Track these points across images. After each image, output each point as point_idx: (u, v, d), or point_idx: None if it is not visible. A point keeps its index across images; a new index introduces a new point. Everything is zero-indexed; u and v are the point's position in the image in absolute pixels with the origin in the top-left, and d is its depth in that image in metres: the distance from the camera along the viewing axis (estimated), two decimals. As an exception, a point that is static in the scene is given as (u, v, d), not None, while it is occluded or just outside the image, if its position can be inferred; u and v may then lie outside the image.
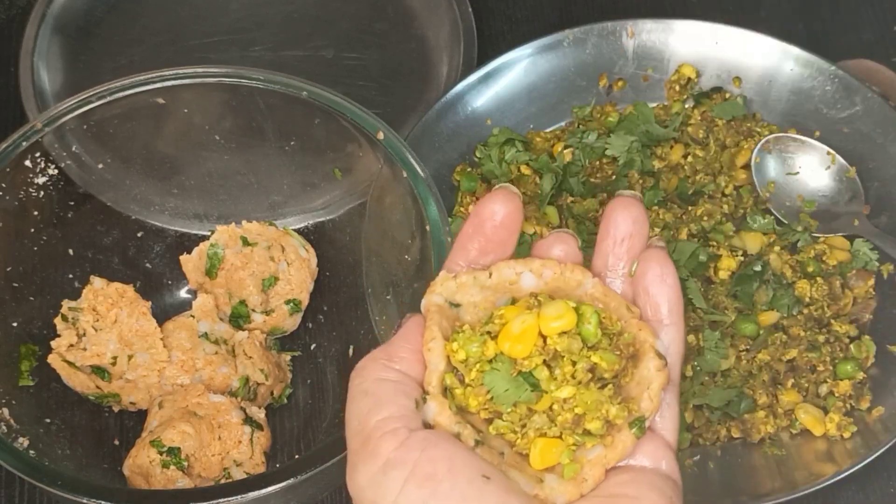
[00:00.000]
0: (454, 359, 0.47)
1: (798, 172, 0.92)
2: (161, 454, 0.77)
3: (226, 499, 0.67)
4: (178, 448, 0.77)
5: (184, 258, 0.85)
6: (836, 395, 0.82)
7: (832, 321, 0.85)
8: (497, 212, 0.47)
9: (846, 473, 0.78)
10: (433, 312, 0.49)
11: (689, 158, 0.92)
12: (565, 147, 0.93)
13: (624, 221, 0.48)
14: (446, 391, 0.46)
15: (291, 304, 0.84)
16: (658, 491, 0.43)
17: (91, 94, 0.80)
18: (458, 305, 0.49)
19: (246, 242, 0.84)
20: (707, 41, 0.96)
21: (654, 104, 0.96)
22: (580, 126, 0.95)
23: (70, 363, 0.80)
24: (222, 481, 0.78)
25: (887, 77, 0.96)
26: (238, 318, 0.84)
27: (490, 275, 0.48)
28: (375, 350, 0.47)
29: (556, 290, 0.48)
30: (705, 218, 0.88)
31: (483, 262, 0.48)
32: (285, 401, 0.85)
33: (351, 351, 0.84)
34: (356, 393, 0.46)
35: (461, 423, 0.45)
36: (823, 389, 0.83)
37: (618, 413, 0.45)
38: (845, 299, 0.86)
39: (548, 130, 0.96)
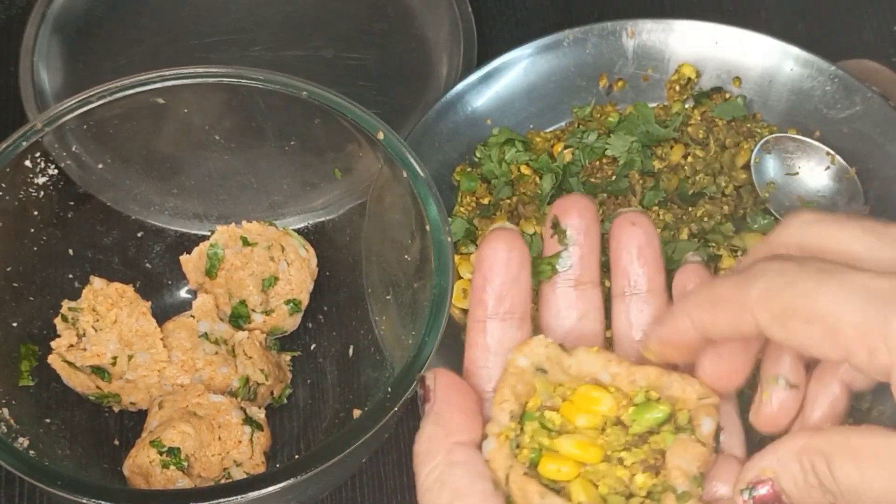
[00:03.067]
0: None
1: (798, 173, 0.92)
2: (161, 454, 0.77)
3: (226, 499, 0.67)
4: (178, 448, 0.77)
5: (184, 258, 0.85)
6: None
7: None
8: (498, 252, 0.46)
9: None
10: (511, 374, 0.47)
11: (690, 159, 0.92)
12: (565, 147, 0.93)
13: (633, 235, 0.47)
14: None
15: (291, 304, 0.84)
16: None
17: (91, 94, 0.80)
18: (545, 371, 0.48)
19: (246, 242, 0.84)
20: (707, 41, 0.96)
21: (654, 104, 0.96)
22: (580, 126, 0.95)
23: (70, 363, 0.80)
24: (222, 481, 0.78)
25: (887, 77, 0.96)
26: (238, 318, 0.84)
27: (570, 365, 0.47)
28: (427, 425, 0.45)
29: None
30: (705, 219, 0.88)
31: (503, 309, 0.47)
32: (285, 401, 0.85)
33: (351, 351, 0.84)
34: (431, 484, 0.44)
35: (514, 460, 0.44)
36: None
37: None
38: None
39: (548, 130, 0.96)
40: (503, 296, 0.46)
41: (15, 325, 0.80)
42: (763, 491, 0.41)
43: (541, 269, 0.49)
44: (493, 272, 0.46)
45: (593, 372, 0.46)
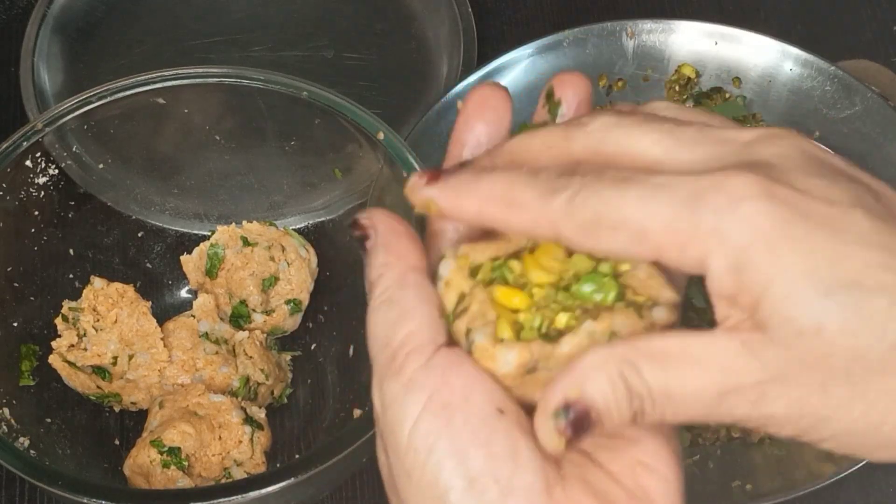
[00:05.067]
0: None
1: (798, 172, 0.92)
2: (161, 454, 0.77)
3: (226, 498, 0.67)
4: (179, 448, 0.77)
5: (184, 258, 0.85)
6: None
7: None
8: (485, 95, 0.46)
9: (846, 473, 0.78)
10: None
11: (689, 158, 0.92)
12: (565, 147, 0.93)
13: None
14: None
15: (292, 304, 0.84)
16: (656, 429, 0.43)
17: (91, 94, 0.80)
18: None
19: (246, 242, 0.84)
20: (707, 41, 0.96)
21: (654, 104, 0.96)
22: (580, 126, 0.95)
23: (71, 363, 0.80)
24: (223, 481, 0.78)
25: (887, 77, 0.96)
26: (238, 318, 0.84)
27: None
28: (377, 255, 0.45)
29: None
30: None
31: (480, 149, 0.46)
32: (285, 401, 0.85)
33: (351, 351, 0.84)
34: (379, 302, 0.44)
35: (471, 283, 0.42)
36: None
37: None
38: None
39: (548, 130, 0.96)
40: (481, 142, 0.46)
41: (15, 324, 0.80)
42: (576, 410, 0.39)
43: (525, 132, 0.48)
44: (476, 115, 0.46)
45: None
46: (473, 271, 0.43)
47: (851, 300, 0.36)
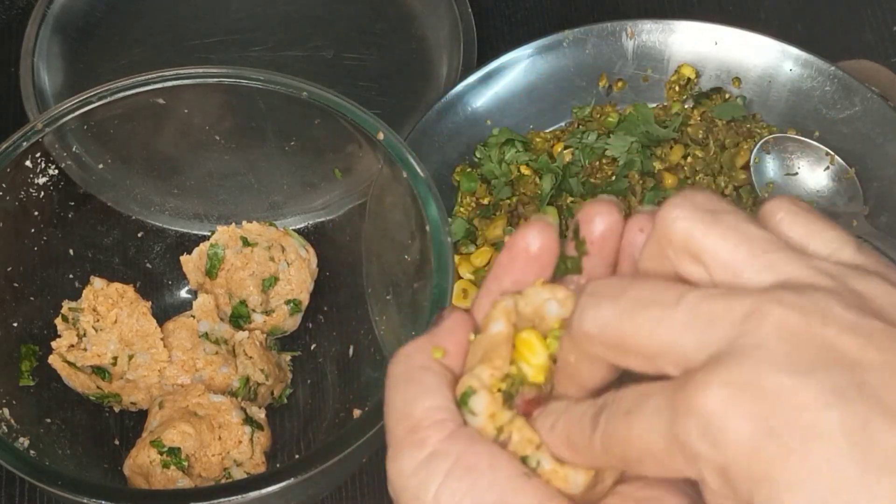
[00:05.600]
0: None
1: (797, 173, 0.92)
2: (161, 454, 0.77)
3: (226, 499, 0.67)
4: (179, 448, 0.77)
5: (184, 258, 0.85)
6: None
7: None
8: (532, 243, 0.46)
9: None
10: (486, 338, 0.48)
11: (689, 159, 0.92)
12: (565, 147, 0.93)
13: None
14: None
15: (291, 304, 0.84)
16: (678, 488, 0.43)
17: (91, 94, 0.80)
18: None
19: (246, 243, 0.84)
20: (706, 42, 0.96)
21: (654, 105, 0.96)
22: (580, 126, 0.95)
23: (71, 363, 0.80)
24: (222, 481, 0.78)
25: (887, 77, 0.96)
26: (238, 318, 0.84)
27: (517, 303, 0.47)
28: (418, 338, 0.46)
29: None
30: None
31: (516, 290, 0.47)
32: (285, 401, 0.85)
33: (351, 351, 0.84)
34: (400, 379, 0.45)
35: (507, 421, 0.44)
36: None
37: None
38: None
39: (548, 131, 0.96)
40: (520, 284, 0.47)
41: (15, 325, 0.80)
42: None
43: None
44: (519, 257, 0.47)
45: (540, 303, 0.46)
46: (505, 396, 0.45)
47: None
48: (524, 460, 0.43)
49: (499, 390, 0.44)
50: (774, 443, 0.36)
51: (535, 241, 0.46)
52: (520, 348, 0.46)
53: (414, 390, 0.44)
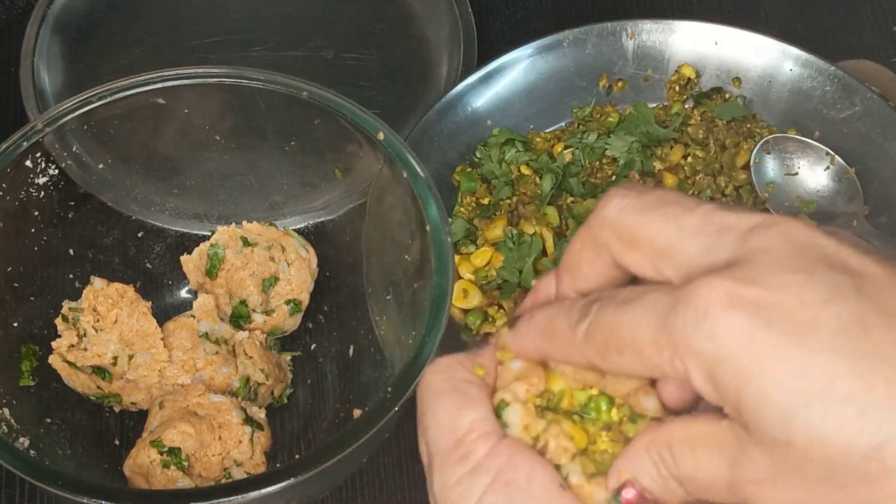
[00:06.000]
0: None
1: (797, 173, 0.92)
2: (161, 454, 0.77)
3: (226, 498, 0.67)
4: (179, 448, 0.77)
5: (184, 258, 0.85)
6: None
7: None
8: (553, 292, 0.47)
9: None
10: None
11: (689, 159, 0.92)
12: (565, 147, 0.93)
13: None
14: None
15: (292, 304, 0.84)
16: None
17: (91, 94, 0.80)
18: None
19: (246, 243, 0.84)
20: (707, 41, 0.96)
21: (654, 104, 0.96)
22: (580, 126, 0.95)
23: (71, 363, 0.80)
24: (223, 481, 0.78)
25: (887, 77, 0.96)
26: (238, 318, 0.84)
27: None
28: (460, 354, 0.47)
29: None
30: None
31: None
32: (285, 401, 0.85)
33: (351, 351, 0.84)
34: (443, 389, 0.45)
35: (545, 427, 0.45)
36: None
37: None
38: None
39: (548, 130, 0.96)
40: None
41: (15, 325, 0.80)
42: (628, 495, 0.42)
43: None
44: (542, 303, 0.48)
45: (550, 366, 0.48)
46: (540, 410, 0.46)
47: (817, 412, 0.36)
48: (558, 469, 0.44)
49: (535, 405, 0.45)
50: (770, 335, 0.37)
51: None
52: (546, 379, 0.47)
53: (459, 401, 0.45)
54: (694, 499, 0.41)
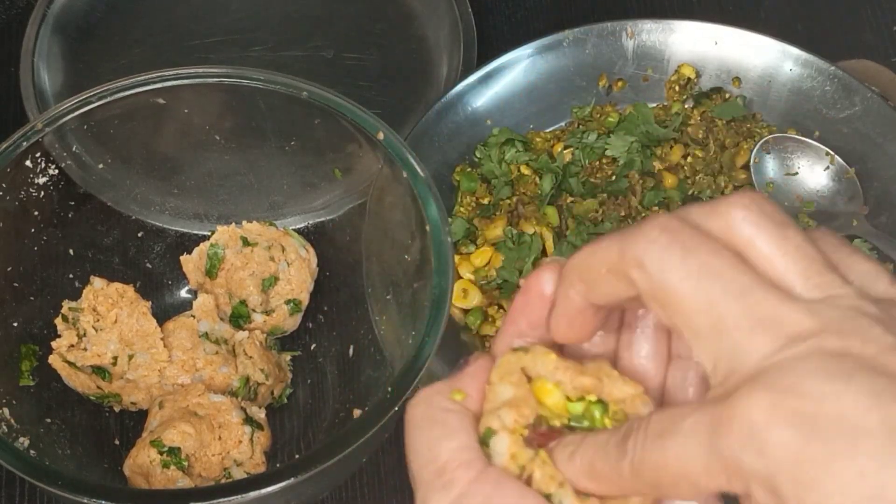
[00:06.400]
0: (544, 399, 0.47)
1: (797, 173, 0.92)
2: (161, 454, 0.77)
3: (226, 498, 0.67)
4: (179, 448, 0.77)
5: (184, 258, 0.85)
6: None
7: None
8: (546, 286, 0.47)
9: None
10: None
11: (689, 159, 0.92)
12: (565, 147, 0.93)
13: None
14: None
15: (291, 304, 0.84)
16: None
17: (91, 94, 0.80)
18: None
19: (246, 242, 0.84)
20: (707, 41, 0.96)
21: (654, 104, 0.96)
22: (580, 126, 0.95)
23: (71, 363, 0.80)
24: (223, 481, 0.78)
25: (887, 77, 0.96)
26: (238, 318, 0.84)
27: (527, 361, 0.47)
28: (439, 382, 0.47)
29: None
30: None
31: (533, 336, 0.48)
32: (285, 401, 0.85)
33: (351, 351, 0.84)
34: (423, 420, 0.45)
35: (533, 460, 0.45)
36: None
37: None
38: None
39: (548, 130, 0.96)
40: (536, 326, 0.47)
41: (15, 324, 0.80)
42: None
43: None
44: (535, 301, 0.47)
45: (543, 375, 0.47)
46: (527, 440, 0.45)
47: None
48: (548, 498, 0.44)
49: (521, 435, 0.45)
50: (819, 446, 0.37)
51: (549, 283, 0.47)
52: (536, 394, 0.46)
53: (438, 432, 0.44)
54: None
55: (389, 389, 0.69)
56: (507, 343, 0.48)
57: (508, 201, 0.91)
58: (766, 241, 0.41)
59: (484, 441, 0.45)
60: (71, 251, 0.84)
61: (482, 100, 0.94)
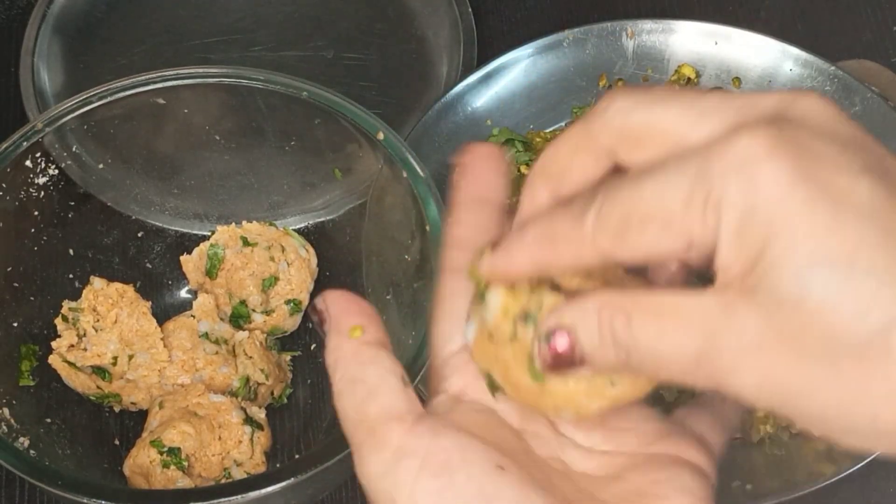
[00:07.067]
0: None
1: (798, 172, 0.92)
2: (161, 454, 0.77)
3: (226, 498, 0.67)
4: (179, 448, 0.77)
5: (184, 258, 0.85)
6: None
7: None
8: (482, 150, 0.46)
9: (846, 473, 0.78)
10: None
11: (689, 159, 0.92)
12: (565, 147, 0.93)
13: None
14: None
15: (292, 304, 0.84)
16: (688, 492, 0.43)
17: (91, 94, 0.80)
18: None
19: (246, 242, 0.84)
20: (707, 41, 0.96)
21: (654, 104, 0.96)
22: (580, 126, 0.95)
23: (71, 363, 0.80)
24: (223, 481, 0.78)
25: (887, 77, 0.96)
26: (238, 318, 0.84)
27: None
28: (331, 339, 0.44)
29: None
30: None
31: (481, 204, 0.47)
32: (285, 401, 0.85)
33: (351, 351, 0.84)
34: (343, 384, 0.43)
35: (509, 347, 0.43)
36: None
37: None
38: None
39: (548, 130, 0.96)
40: (483, 204, 0.48)
41: (15, 325, 0.80)
42: (560, 340, 0.40)
43: None
44: (477, 172, 0.47)
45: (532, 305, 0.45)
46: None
47: (837, 276, 0.35)
48: (525, 317, 0.42)
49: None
50: (809, 189, 0.35)
51: (483, 150, 0.47)
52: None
53: (360, 391, 0.43)
54: (633, 370, 0.39)
55: (389, 389, 0.69)
56: (463, 213, 0.47)
57: (508, 201, 0.91)
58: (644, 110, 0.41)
59: (479, 297, 0.43)
60: (71, 251, 0.84)
61: (482, 100, 0.94)
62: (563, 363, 0.40)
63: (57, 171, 0.82)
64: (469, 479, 0.40)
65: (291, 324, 0.86)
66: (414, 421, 0.42)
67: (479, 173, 0.47)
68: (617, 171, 0.41)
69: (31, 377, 0.80)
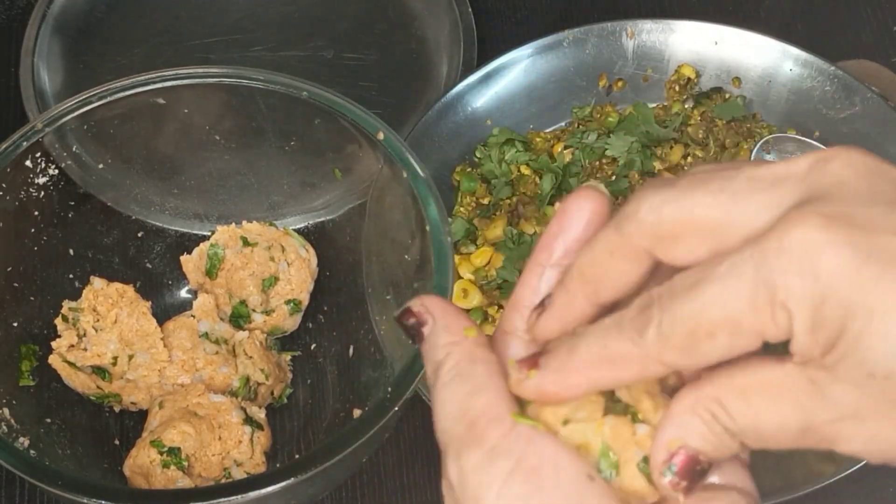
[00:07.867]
0: None
1: (798, 172, 0.92)
2: (161, 454, 0.77)
3: (226, 498, 0.67)
4: (179, 448, 0.77)
5: (184, 258, 0.85)
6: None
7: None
8: (583, 209, 0.45)
9: (846, 473, 0.78)
10: None
11: (689, 159, 0.92)
12: (565, 147, 0.93)
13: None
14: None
15: (291, 304, 0.84)
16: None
17: (91, 94, 0.80)
18: None
19: (246, 242, 0.84)
20: (707, 41, 0.96)
21: (654, 104, 0.96)
22: (580, 126, 0.95)
23: (71, 363, 0.80)
24: (223, 481, 0.78)
25: (887, 77, 0.96)
26: (238, 318, 0.84)
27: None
28: (440, 337, 0.44)
29: None
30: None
31: (566, 262, 0.45)
32: (285, 401, 0.85)
33: (351, 351, 0.84)
34: (450, 378, 0.43)
35: None
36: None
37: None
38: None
39: (548, 130, 0.96)
40: (571, 252, 0.45)
41: (15, 325, 0.80)
42: (679, 460, 0.40)
43: None
44: (572, 225, 0.45)
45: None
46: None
47: None
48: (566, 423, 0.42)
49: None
50: (874, 266, 0.36)
51: (586, 207, 0.45)
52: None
53: (468, 387, 0.43)
54: (742, 449, 0.40)
55: (389, 389, 0.69)
56: (538, 276, 0.45)
57: (508, 201, 0.91)
58: (677, 204, 0.40)
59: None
60: (71, 251, 0.84)
61: (482, 100, 0.94)
62: (695, 476, 0.40)
63: (57, 171, 0.82)
64: (556, 487, 0.41)
65: (291, 324, 0.86)
66: (513, 424, 0.42)
67: (572, 231, 0.46)
68: (657, 270, 0.41)
69: (31, 377, 0.80)
